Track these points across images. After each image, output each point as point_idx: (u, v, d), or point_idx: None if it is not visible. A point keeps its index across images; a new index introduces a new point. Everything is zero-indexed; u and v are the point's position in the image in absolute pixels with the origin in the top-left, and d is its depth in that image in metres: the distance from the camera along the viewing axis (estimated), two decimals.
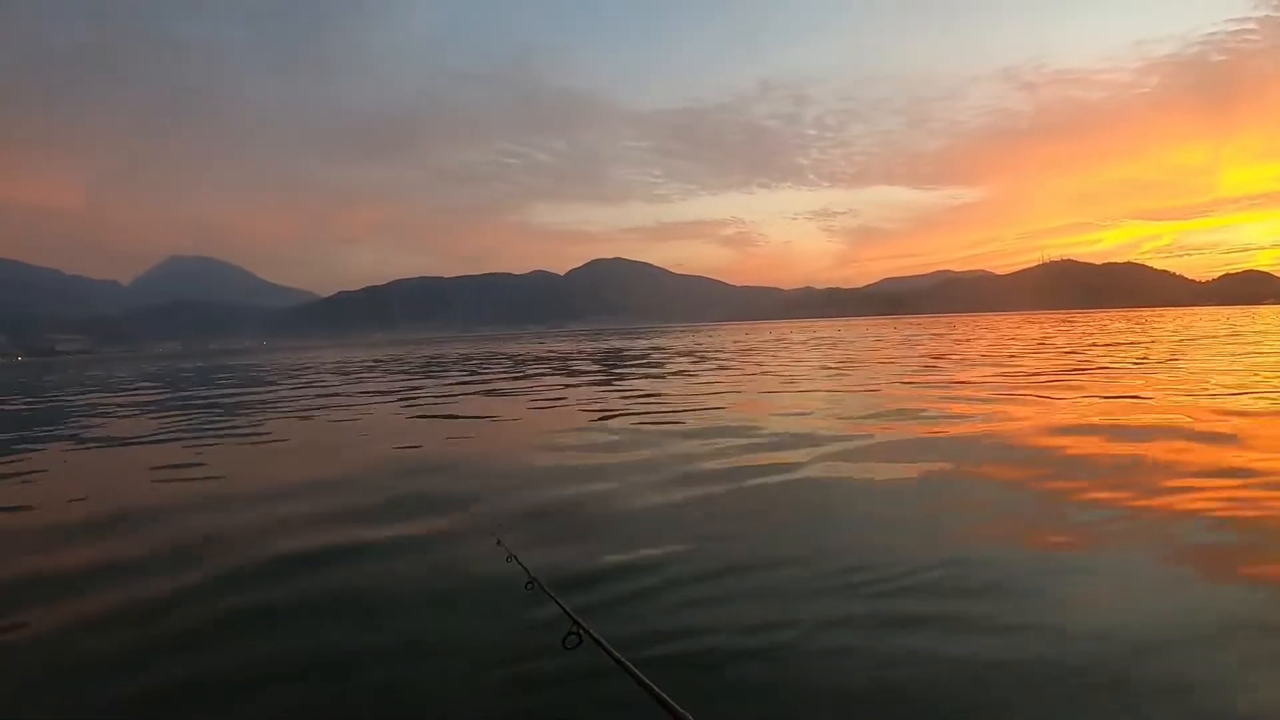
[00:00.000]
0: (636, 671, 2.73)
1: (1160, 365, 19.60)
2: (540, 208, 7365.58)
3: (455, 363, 39.88)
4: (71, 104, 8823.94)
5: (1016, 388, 15.43)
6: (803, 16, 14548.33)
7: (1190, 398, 12.84)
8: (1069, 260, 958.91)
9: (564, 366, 31.50)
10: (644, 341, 66.07)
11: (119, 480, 9.65)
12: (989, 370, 20.00)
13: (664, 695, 2.53)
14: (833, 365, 24.18)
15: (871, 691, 3.48)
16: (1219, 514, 5.89)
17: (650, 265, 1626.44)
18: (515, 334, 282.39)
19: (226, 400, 22.31)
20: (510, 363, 36.92)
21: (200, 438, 13.56)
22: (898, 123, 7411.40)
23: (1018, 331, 50.50)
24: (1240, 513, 5.91)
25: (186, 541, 6.36)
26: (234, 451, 11.69)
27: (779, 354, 33.00)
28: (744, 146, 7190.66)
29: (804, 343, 45.42)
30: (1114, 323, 66.56)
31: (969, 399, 13.80)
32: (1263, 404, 11.91)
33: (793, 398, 15.26)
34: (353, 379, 29.71)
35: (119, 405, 22.88)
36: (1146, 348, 26.86)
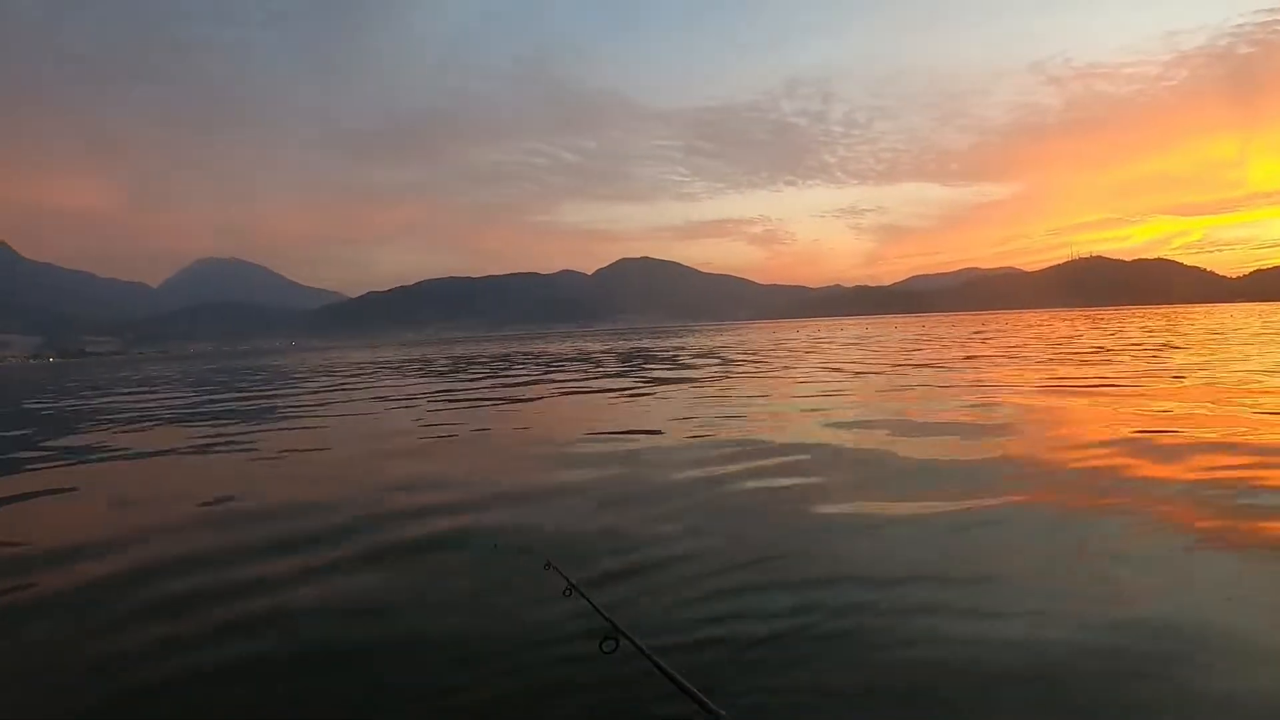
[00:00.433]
0: (674, 674, 2.75)
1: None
2: (568, 207, 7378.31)
3: (553, 361, 38.10)
4: (102, 108, 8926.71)
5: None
6: (830, 13, 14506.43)
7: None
8: (1098, 257, 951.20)
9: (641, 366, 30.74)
10: (701, 340, 66.03)
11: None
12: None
13: (702, 696, 2.55)
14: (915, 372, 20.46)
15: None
16: None
17: (678, 264, 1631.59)
18: (543, 333, 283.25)
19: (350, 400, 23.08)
20: (616, 360, 35.49)
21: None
22: (925, 119, 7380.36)
23: (1067, 331, 47.15)
24: None
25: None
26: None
27: (859, 354, 31.16)
28: (771, 144, 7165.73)
29: (861, 344, 42.76)
30: (1151, 320, 64.77)
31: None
32: None
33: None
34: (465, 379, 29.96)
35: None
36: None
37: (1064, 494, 6.56)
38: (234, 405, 21.49)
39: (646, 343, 64.22)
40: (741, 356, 32.06)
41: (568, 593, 3.63)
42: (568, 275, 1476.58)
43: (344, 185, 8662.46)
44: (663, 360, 32.96)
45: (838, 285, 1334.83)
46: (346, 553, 5.78)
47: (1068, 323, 67.34)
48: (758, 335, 71.80)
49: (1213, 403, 11.69)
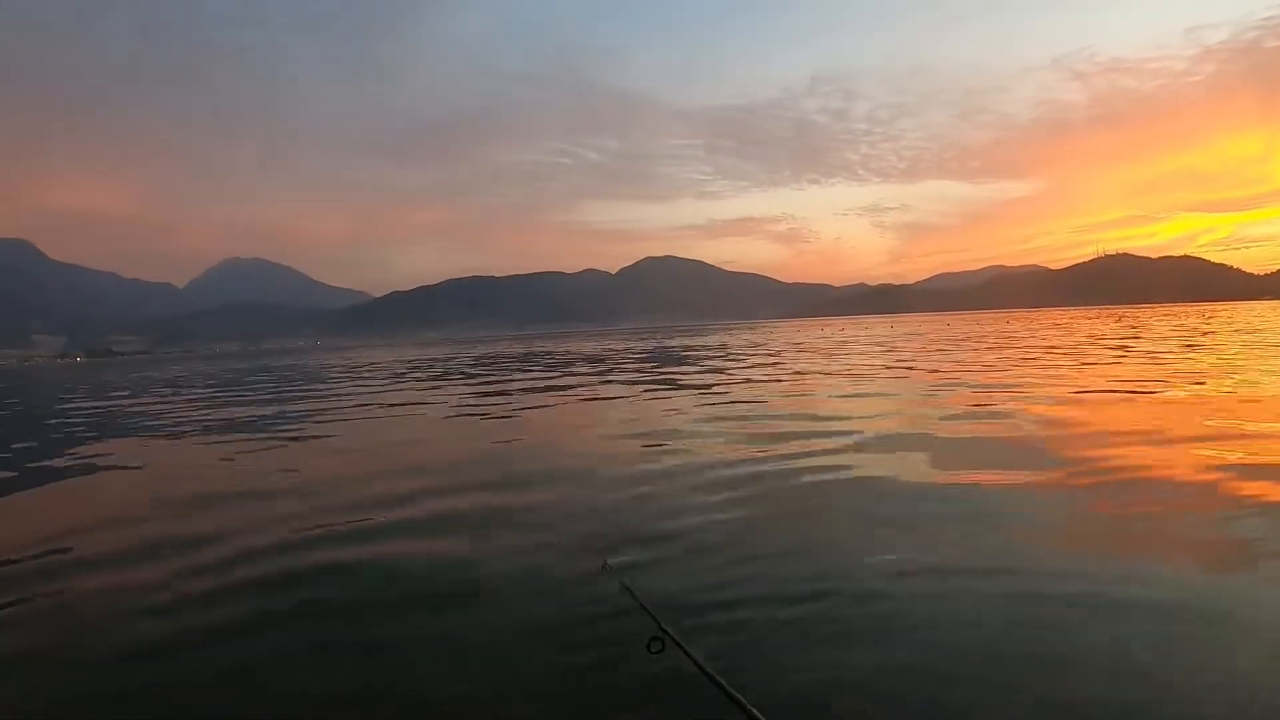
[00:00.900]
0: (718, 678, 2.76)
1: None
2: (591, 206, 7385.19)
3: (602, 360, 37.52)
4: (130, 111, 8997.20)
5: None
6: (852, 10, 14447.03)
7: None
8: (1124, 254, 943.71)
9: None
10: (742, 338, 66.02)
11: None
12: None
13: (743, 700, 2.56)
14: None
15: None
16: None
17: (701, 262, 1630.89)
18: (568, 333, 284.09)
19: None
20: (673, 360, 34.51)
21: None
22: (948, 116, 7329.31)
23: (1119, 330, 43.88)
24: None
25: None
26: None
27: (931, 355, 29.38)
28: (794, 142, 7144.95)
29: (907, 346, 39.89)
30: (1189, 318, 63.86)
31: None
32: None
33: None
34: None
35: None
36: None
37: None
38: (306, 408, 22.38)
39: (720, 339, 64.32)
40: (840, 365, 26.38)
41: (623, 592, 3.86)
42: (591, 274, 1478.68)
43: (370, 187, 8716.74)
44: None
45: (861, 284, 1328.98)
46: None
47: (1107, 321, 67.11)
48: (802, 334, 72.00)
49: None
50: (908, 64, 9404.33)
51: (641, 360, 35.51)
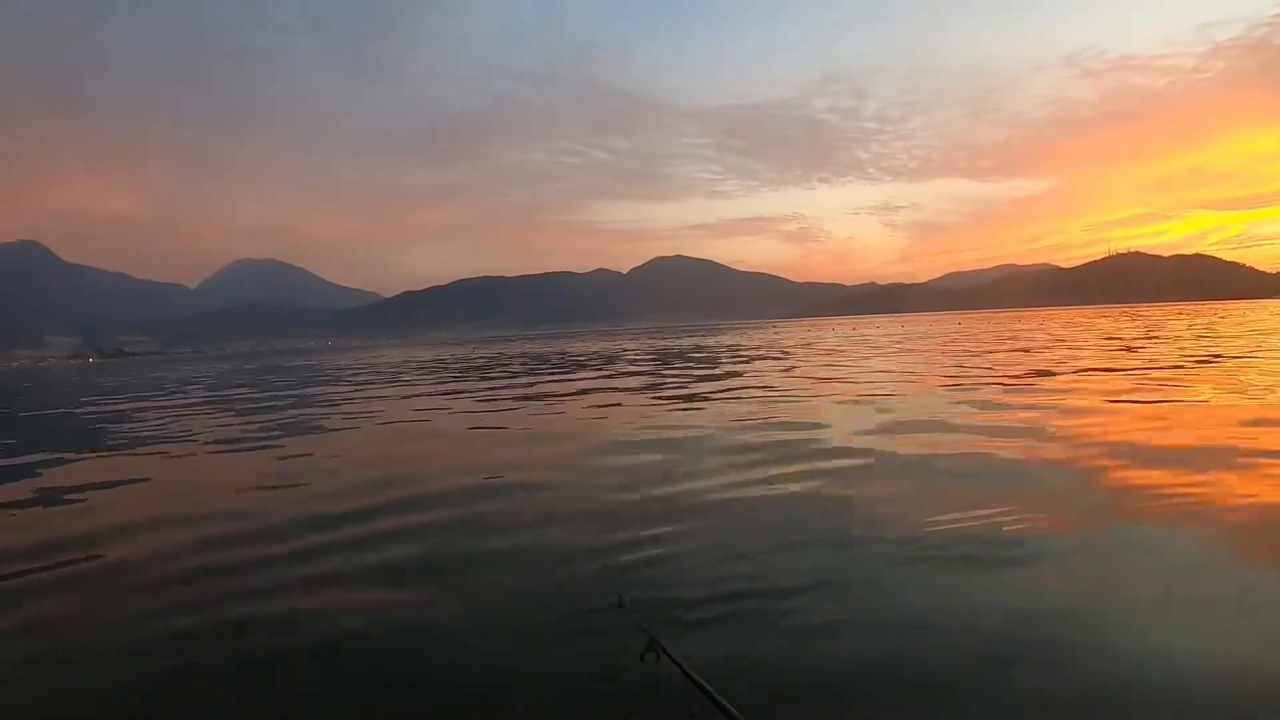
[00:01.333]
0: (708, 687, 2.83)
1: None
2: (602, 206, 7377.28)
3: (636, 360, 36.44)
4: (140, 112, 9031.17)
5: None
6: (862, 8, 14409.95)
7: None
8: (1135, 252, 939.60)
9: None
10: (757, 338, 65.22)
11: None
12: None
13: (733, 709, 2.63)
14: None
15: None
16: None
17: (712, 262, 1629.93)
18: (578, 332, 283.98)
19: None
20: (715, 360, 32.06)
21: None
22: (959, 114, 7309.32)
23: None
24: None
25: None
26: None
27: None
28: (804, 141, 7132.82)
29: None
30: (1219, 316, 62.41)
31: None
32: None
33: None
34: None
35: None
36: None
37: None
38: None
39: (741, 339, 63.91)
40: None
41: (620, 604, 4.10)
42: (602, 274, 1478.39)
43: (381, 187, 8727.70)
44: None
45: (872, 283, 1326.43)
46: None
47: (1120, 321, 66.39)
48: (813, 334, 71.99)
49: None
50: (918, 62, 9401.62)
51: (666, 364, 35.43)
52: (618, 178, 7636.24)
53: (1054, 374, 17.87)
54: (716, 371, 24.49)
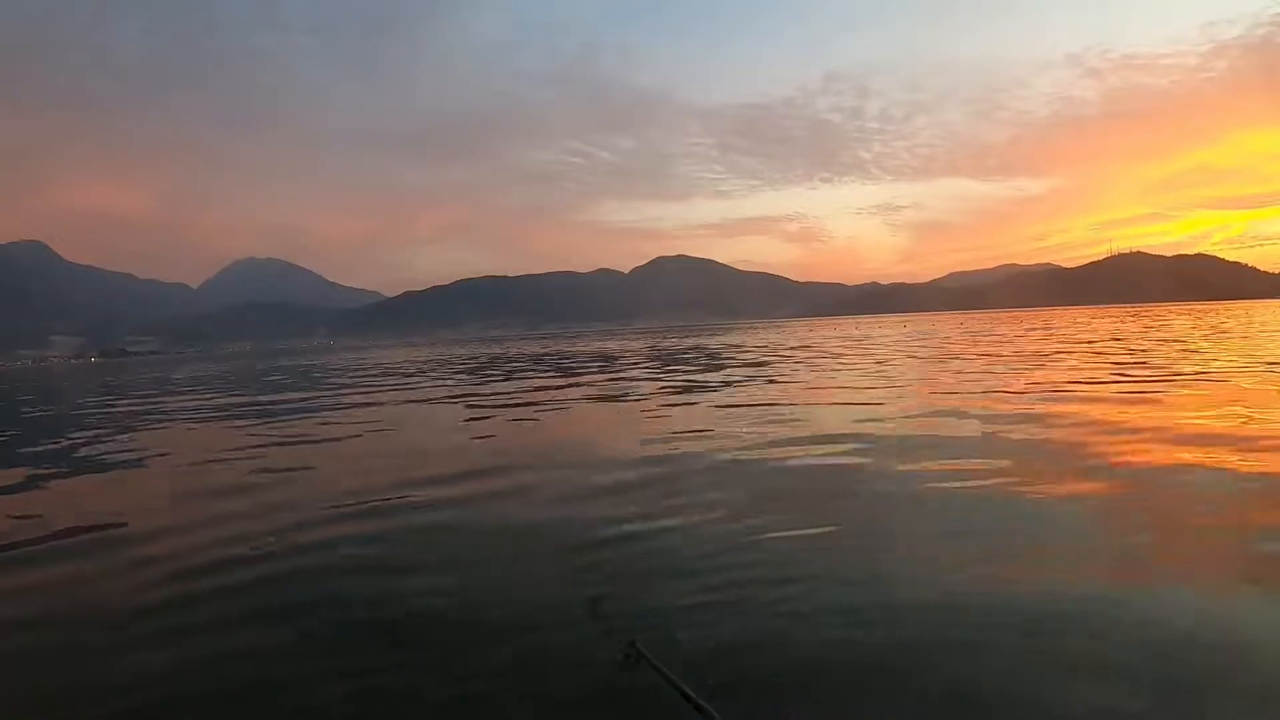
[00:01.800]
0: (685, 687, 2.91)
1: None
2: (605, 206, 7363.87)
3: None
4: (144, 112, 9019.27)
5: None
6: (865, 8, 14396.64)
7: None
8: (1138, 252, 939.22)
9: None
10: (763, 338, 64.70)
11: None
12: None
13: (708, 707, 2.72)
14: None
15: None
16: None
17: (714, 262, 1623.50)
18: (582, 332, 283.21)
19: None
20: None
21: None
22: (961, 114, 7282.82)
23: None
24: None
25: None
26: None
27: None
28: (807, 141, 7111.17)
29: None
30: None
31: None
32: None
33: None
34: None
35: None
36: None
37: None
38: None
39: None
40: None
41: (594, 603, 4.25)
42: (604, 274, 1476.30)
43: (384, 187, 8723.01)
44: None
45: (875, 282, 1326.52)
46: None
47: (1124, 321, 66.06)
48: (817, 334, 71.79)
49: None
50: (921, 62, 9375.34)
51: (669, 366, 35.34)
52: (621, 177, 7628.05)
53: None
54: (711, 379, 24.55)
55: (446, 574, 5.61)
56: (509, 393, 21.21)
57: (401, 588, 5.36)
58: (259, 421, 17.53)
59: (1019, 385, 15.85)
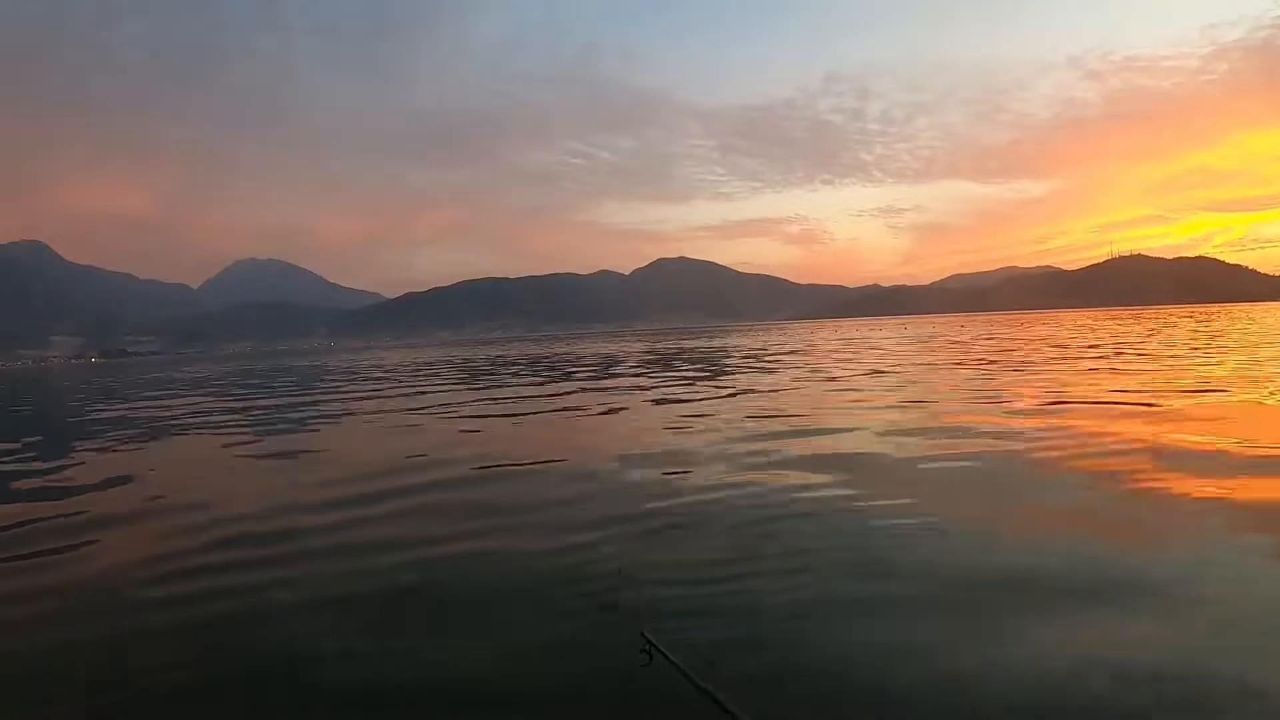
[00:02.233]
0: (699, 683, 2.89)
1: None
2: (606, 207, 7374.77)
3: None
4: (145, 113, 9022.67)
5: None
6: (867, 9, 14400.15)
7: None
8: (1138, 255, 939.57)
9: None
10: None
11: None
12: None
13: (724, 699, 2.70)
14: None
15: None
16: None
17: (715, 264, 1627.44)
18: (582, 334, 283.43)
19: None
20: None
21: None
22: (963, 115, 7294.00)
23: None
24: None
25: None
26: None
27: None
28: (808, 142, 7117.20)
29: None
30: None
31: None
32: None
33: None
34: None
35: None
36: None
37: None
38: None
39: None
40: None
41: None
42: (605, 276, 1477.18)
43: (385, 188, 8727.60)
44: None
45: (876, 285, 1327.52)
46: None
47: (1126, 323, 65.37)
48: (817, 335, 71.37)
49: None
50: (922, 63, 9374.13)
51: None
52: (621, 178, 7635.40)
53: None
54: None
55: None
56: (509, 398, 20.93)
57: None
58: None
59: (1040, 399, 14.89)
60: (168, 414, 21.13)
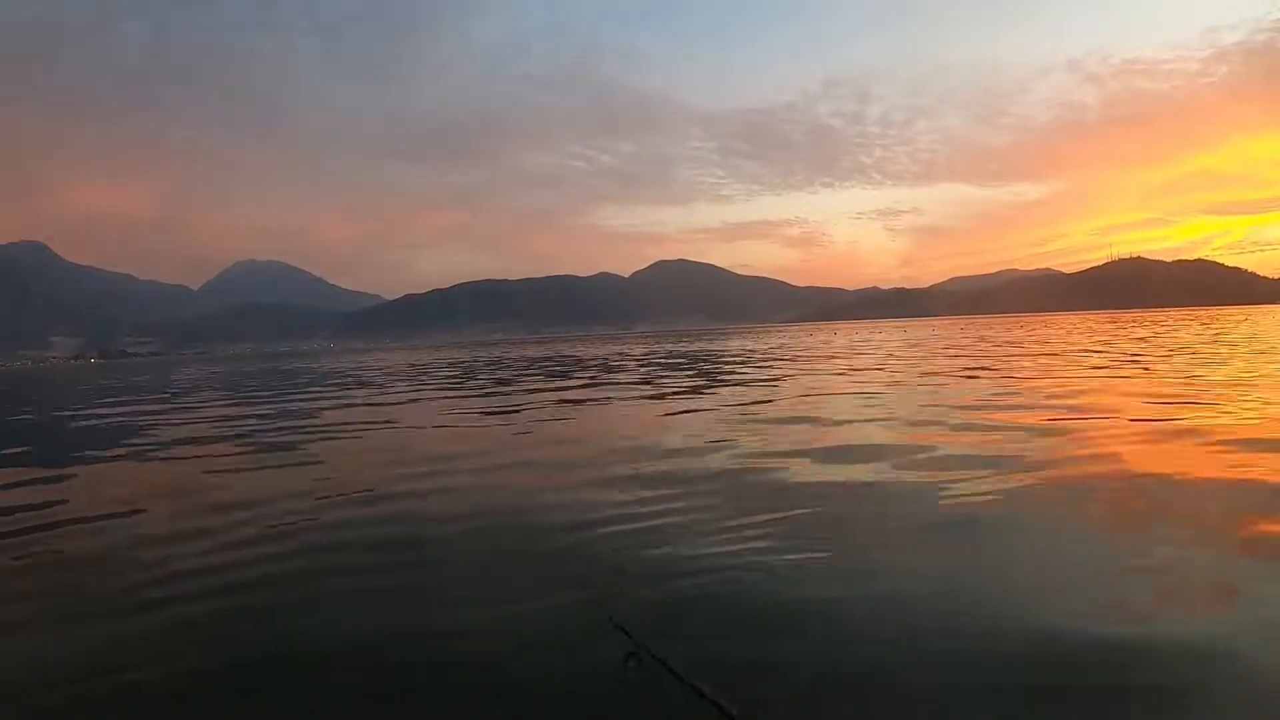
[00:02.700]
0: (686, 680, 2.87)
1: None
2: (606, 210, 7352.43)
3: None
4: (145, 113, 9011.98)
5: None
6: (866, 13, 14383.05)
7: None
8: (1138, 258, 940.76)
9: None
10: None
11: None
12: None
13: (717, 699, 2.68)
14: None
15: None
16: None
17: (714, 266, 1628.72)
18: (581, 336, 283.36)
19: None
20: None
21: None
22: (962, 118, 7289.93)
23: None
24: None
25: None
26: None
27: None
28: (807, 145, 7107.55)
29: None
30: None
31: None
32: None
33: None
34: None
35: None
36: None
37: None
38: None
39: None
40: None
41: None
42: (605, 278, 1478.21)
43: (385, 189, 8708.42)
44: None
45: (875, 287, 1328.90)
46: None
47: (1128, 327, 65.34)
48: (815, 338, 71.14)
49: None
50: (922, 66, 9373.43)
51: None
52: (621, 181, 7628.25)
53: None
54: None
55: None
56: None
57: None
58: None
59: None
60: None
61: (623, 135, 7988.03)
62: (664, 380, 23.42)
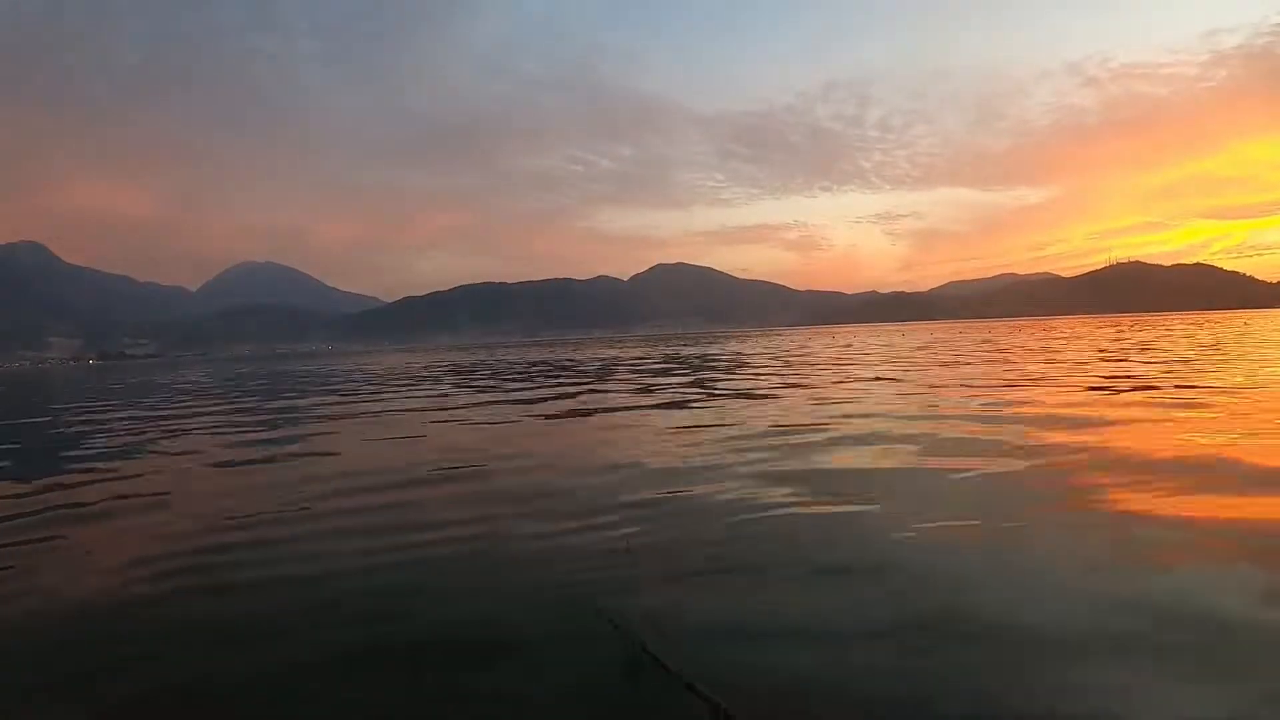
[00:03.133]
0: (686, 682, 2.85)
1: None
2: (605, 213, 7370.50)
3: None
4: (143, 115, 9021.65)
5: None
6: (866, 16, 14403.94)
7: None
8: (1136, 262, 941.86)
9: None
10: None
11: None
12: None
13: (721, 703, 2.66)
14: None
15: None
16: None
17: (713, 269, 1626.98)
18: (580, 339, 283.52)
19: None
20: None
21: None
22: (961, 123, 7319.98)
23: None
24: None
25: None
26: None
27: None
28: (807, 149, 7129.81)
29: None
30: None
31: None
32: None
33: None
34: None
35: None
36: None
37: None
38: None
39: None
40: None
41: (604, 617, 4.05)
42: (604, 281, 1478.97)
43: (384, 191, 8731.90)
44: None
45: (874, 291, 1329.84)
46: None
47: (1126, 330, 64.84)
48: (815, 341, 70.89)
49: None
50: (921, 70, 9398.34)
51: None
52: (620, 184, 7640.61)
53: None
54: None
55: None
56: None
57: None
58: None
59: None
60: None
61: (622, 138, 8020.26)
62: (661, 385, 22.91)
